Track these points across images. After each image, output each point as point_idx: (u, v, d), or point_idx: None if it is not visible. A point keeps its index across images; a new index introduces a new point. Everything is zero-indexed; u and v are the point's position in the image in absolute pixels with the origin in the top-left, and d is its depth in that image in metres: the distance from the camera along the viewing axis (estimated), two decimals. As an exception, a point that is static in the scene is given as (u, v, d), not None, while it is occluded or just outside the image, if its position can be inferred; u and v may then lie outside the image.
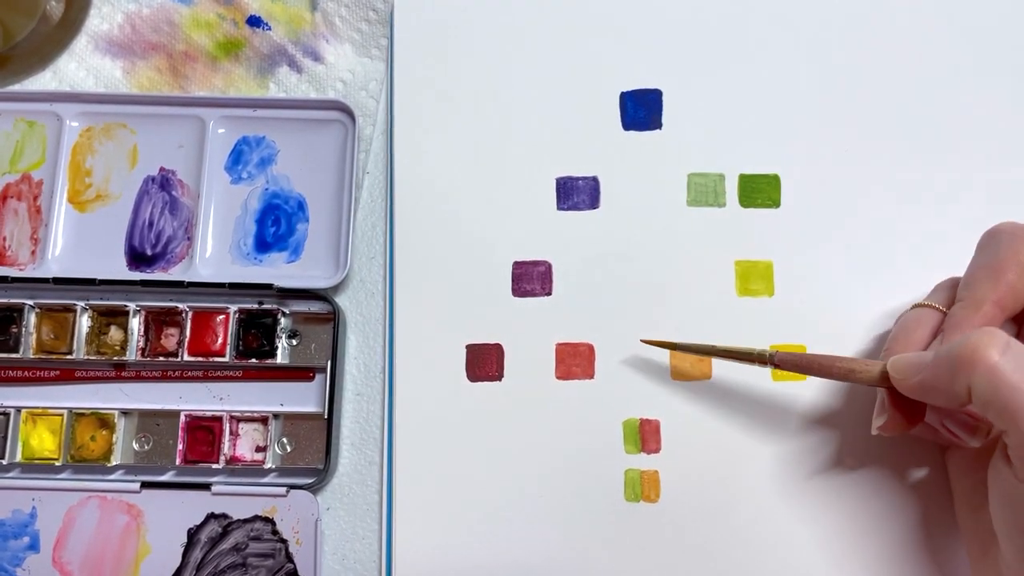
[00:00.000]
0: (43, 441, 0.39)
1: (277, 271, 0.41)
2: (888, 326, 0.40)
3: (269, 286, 0.40)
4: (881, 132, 0.42)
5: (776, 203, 0.41)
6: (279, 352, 0.40)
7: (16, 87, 0.43)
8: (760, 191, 0.41)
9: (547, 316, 0.40)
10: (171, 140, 0.42)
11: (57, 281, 0.40)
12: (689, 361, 0.40)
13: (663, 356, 0.40)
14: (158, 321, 0.40)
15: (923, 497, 0.38)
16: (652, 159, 0.41)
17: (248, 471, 0.39)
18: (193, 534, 0.38)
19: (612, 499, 0.38)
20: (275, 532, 0.38)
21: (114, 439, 0.39)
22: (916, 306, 0.34)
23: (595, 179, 0.41)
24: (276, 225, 0.41)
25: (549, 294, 0.40)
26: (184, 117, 0.42)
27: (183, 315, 0.39)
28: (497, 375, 0.40)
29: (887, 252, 0.40)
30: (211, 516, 0.38)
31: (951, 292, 0.34)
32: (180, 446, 0.39)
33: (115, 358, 0.40)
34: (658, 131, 0.42)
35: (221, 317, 0.40)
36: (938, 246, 0.40)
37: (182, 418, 0.39)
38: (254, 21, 0.44)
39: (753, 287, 0.40)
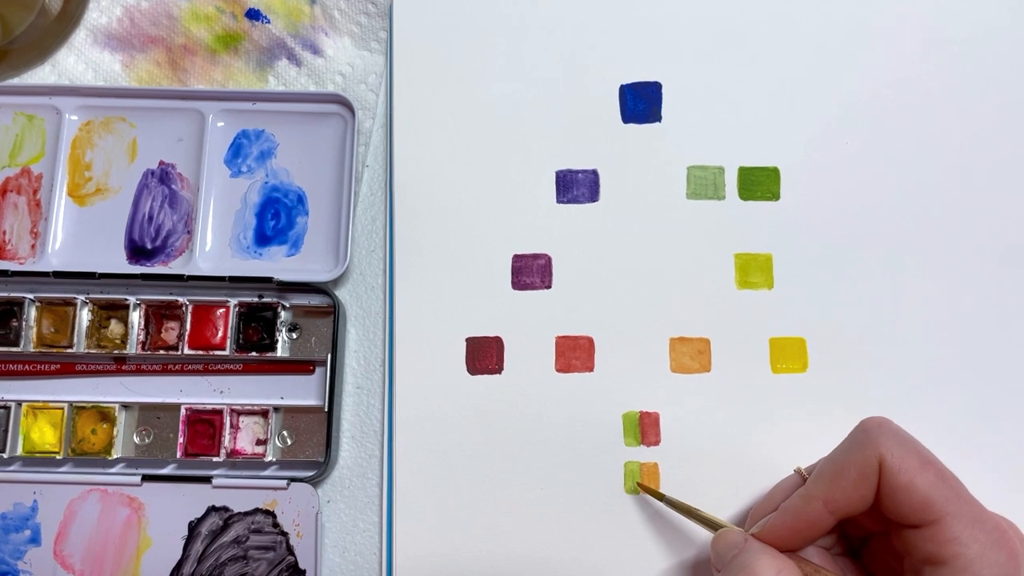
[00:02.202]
0: (44, 434, 0.39)
1: (277, 264, 0.41)
2: (888, 322, 0.40)
3: (269, 280, 0.40)
4: (881, 125, 0.42)
5: (776, 196, 0.41)
6: (279, 345, 0.40)
7: (15, 81, 0.43)
8: (760, 184, 0.41)
9: (547, 309, 0.40)
10: (170, 134, 0.42)
11: (57, 275, 0.40)
12: (689, 355, 0.40)
13: (663, 349, 0.40)
14: (158, 315, 0.40)
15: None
16: (652, 152, 0.41)
17: (249, 464, 0.39)
18: (194, 527, 0.38)
19: (612, 491, 0.38)
20: (276, 525, 0.38)
21: (115, 432, 0.39)
22: (795, 470, 0.34)
23: (595, 172, 0.41)
24: (276, 219, 0.41)
25: (549, 287, 0.40)
26: (183, 111, 0.42)
27: (183, 309, 0.40)
28: (497, 368, 0.40)
29: (887, 245, 0.40)
30: (212, 509, 0.38)
31: None
32: (181, 439, 0.39)
33: (115, 352, 0.40)
34: (658, 124, 0.42)
35: (221, 311, 0.40)
36: (938, 239, 0.41)
37: (182, 411, 0.39)
38: (253, 14, 0.44)
39: (753, 280, 0.40)
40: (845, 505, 0.30)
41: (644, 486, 0.38)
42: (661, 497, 0.37)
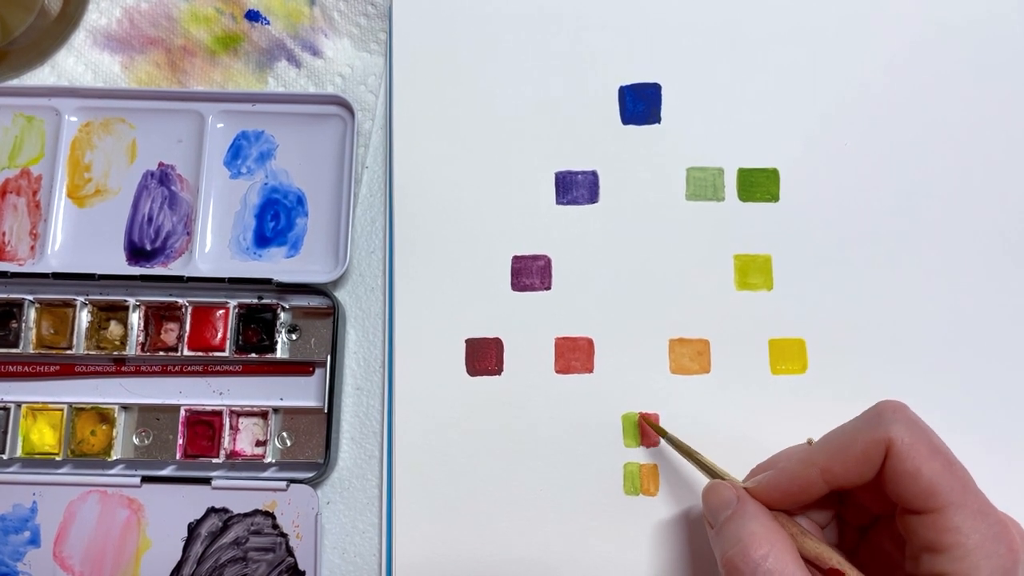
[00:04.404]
0: (43, 436, 0.39)
1: (276, 266, 0.41)
2: (888, 323, 0.40)
3: (268, 281, 0.40)
4: (880, 126, 0.42)
5: (775, 197, 0.41)
6: (279, 347, 0.40)
7: (14, 82, 0.43)
8: (759, 185, 0.41)
9: (546, 310, 0.40)
10: (170, 135, 0.42)
11: (57, 276, 0.40)
12: (688, 356, 0.40)
13: (662, 351, 0.40)
14: (158, 316, 0.40)
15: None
16: (651, 153, 0.41)
17: (248, 465, 0.39)
18: (193, 528, 0.38)
19: (611, 492, 0.38)
20: (275, 526, 0.38)
21: (114, 434, 0.39)
22: (808, 440, 0.35)
23: (594, 173, 0.41)
24: (275, 220, 0.41)
25: (548, 288, 0.40)
26: (183, 112, 0.42)
27: (183, 310, 0.40)
28: (496, 369, 0.40)
29: (886, 246, 0.40)
30: (211, 510, 0.38)
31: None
32: (180, 440, 0.39)
33: (115, 353, 0.40)
34: (657, 125, 0.42)
35: (221, 312, 0.40)
36: (938, 240, 0.41)
37: (182, 413, 0.39)
38: (252, 15, 0.44)
39: (752, 281, 0.40)
40: (842, 478, 0.31)
41: (646, 418, 0.38)
42: (664, 434, 0.37)
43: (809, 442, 0.34)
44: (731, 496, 0.32)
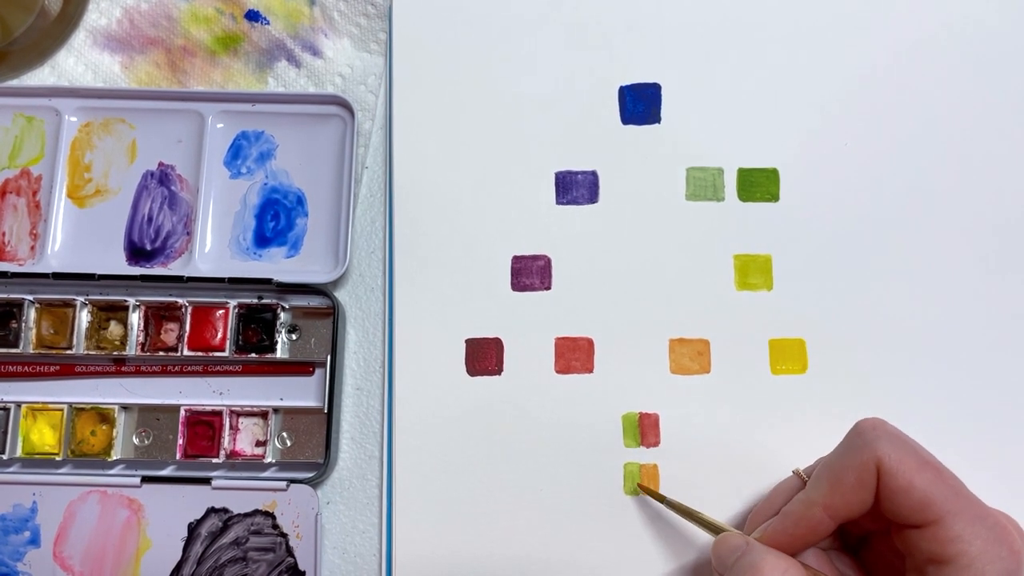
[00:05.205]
0: (43, 436, 0.39)
1: (276, 266, 0.41)
2: (887, 323, 0.40)
3: (268, 281, 0.40)
4: (879, 126, 0.42)
5: (775, 197, 0.41)
6: (279, 347, 0.40)
7: (14, 82, 0.43)
8: (759, 185, 0.41)
9: (546, 310, 0.40)
10: (170, 135, 0.42)
11: (57, 276, 0.40)
12: (688, 356, 0.40)
13: (662, 351, 0.40)
14: (158, 316, 0.40)
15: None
16: (651, 153, 0.41)
17: (248, 465, 0.39)
18: (193, 528, 0.38)
19: (611, 492, 0.38)
20: (275, 526, 0.38)
21: (114, 434, 0.39)
22: (794, 472, 0.35)
23: (594, 173, 0.41)
24: (275, 220, 0.41)
25: (548, 288, 0.40)
26: (183, 112, 0.42)
27: (183, 310, 0.40)
28: (496, 369, 0.40)
29: (886, 246, 0.40)
30: (211, 510, 0.38)
31: None
32: (180, 441, 0.39)
33: (115, 353, 0.40)
34: (657, 125, 0.42)
35: (220, 312, 0.40)
36: (938, 240, 0.41)
37: (182, 413, 0.39)
38: (252, 15, 0.44)
39: (752, 281, 0.40)
40: (845, 510, 0.30)
41: (644, 487, 0.38)
42: (662, 499, 0.37)
43: (796, 473, 0.34)
44: (740, 542, 0.32)
